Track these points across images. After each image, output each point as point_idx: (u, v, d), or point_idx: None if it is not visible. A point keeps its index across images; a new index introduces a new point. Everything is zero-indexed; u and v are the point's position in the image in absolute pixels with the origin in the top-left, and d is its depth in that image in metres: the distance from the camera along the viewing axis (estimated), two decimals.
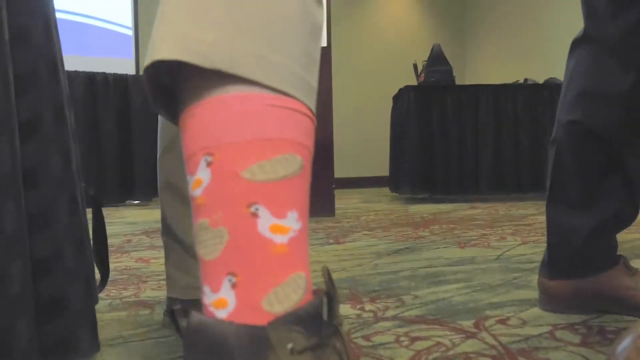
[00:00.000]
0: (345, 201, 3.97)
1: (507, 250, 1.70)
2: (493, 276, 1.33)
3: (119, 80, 4.00)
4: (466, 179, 3.73)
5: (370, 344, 0.85)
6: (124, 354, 0.82)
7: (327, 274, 0.40)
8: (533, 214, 2.76)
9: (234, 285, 0.39)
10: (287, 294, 0.39)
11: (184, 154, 0.43)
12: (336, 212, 3.01)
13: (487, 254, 1.64)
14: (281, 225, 0.40)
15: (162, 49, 0.40)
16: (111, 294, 1.22)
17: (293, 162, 0.42)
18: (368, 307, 1.07)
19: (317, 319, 0.38)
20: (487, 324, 0.94)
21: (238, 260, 0.39)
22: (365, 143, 5.89)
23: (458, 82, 4.17)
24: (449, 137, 3.75)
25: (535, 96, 3.74)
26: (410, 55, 5.88)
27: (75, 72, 3.72)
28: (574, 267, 0.99)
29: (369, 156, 5.87)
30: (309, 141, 0.44)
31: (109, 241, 0.91)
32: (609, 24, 0.87)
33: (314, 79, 0.46)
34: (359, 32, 6.04)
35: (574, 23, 1.14)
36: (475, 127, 3.76)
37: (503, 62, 5.88)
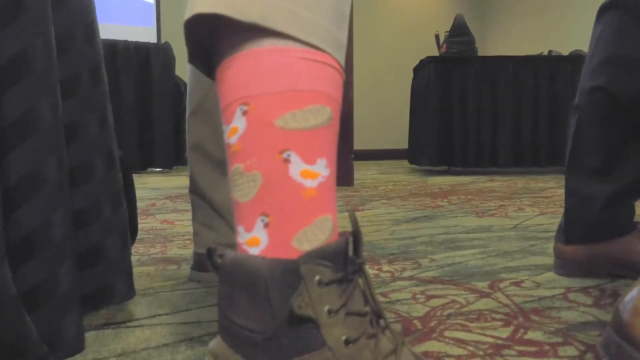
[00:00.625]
0: (363, 172, 3.99)
1: (524, 220, 1.71)
2: (509, 243, 1.36)
3: (141, 48, 4.04)
4: (485, 152, 3.72)
5: (387, 299, 0.89)
6: (154, 303, 0.87)
7: (354, 217, 0.43)
8: (552, 187, 2.76)
9: (266, 225, 0.42)
10: (316, 234, 0.42)
11: (220, 104, 0.45)
12: (355, 182, 3.04)
13: (505, 223, 1.66)
14: (311, 171, 0.43)
15: (202, 3, 0.42)
16: (139, 251, 1.27)
17: (323, 113, 0.44)
18: (386, 267, 1.11)
19: (343, 256, 0.42)
20: (501, 285, 0.97)
21: (270, 202, 0.42)
22: (384, 115, 5.87)
23: (480, 54, 4.12)
24: (468, 110, 3.72)
25: (558, 69, 3.68)
26: (433, 26, 5.80)
27: None
28: (590, 232, 1.01)
29: (389, 128, 5.85)
30: (338, 94, 0.46)
31: None
32: None
33: (343, 35, 0.48)
34: (380, 2, 5.95)
35: None
36: (495, 100, 3.73)
37: (526, 33, 5.76)
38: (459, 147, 3.73)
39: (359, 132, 5.74)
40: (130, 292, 0.82)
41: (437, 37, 4.06)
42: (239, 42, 0.43)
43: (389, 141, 5.89)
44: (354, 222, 0.43)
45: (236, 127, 0.43)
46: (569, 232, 1.02)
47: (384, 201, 2.25)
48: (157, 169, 4.23)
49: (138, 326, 0.76)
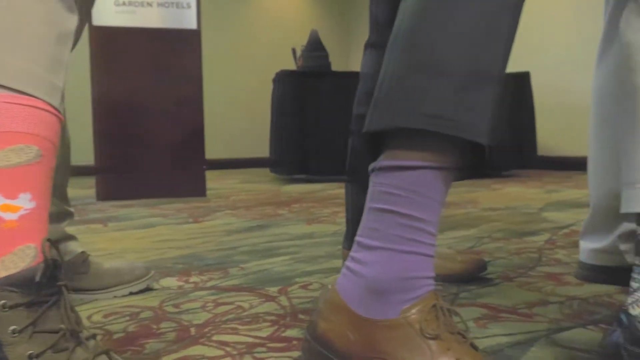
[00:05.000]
0: (223, 182, 4.03)
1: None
2: (321, 249, 1.49)
3: None
4: (339, 161, 3.95)
5: (177, 310, 0.95)
6: None
7: (47, 246, 0.49)
8: None
9: None
10: (15, 262, 0.48)
11: None
12: (209, 192, 3.07)
13: (328, 230, 1.81)
14: (12, 205, 0.48)
15: None
16: None
17: (28, 152, 0.50)
18: (193, 279, 1.18)
19: (33, 282, 0.47)
20: (290, 289, 1.08)
21: None
22: (249, 124, 5.94)
23: (342, 68, 4.37)
24: (323, 121, 3.93)
25: None
26: (295, 39, 6.00)
27: None
28: None
29: (254, 137, 5.94)
30: (49, 133, 0.52)
31: None
32: (386, 33, 1.03)
33: (58, 79, 0.54)
34: (244, 15, 6.03)
35: None
36: (347, 112, 3.97)
37: None
38: (315, 156, 3.92)
39: (224, 140, 5.77)
40: None
41: (293, 51, 4.24)
42: None
43: (255, 149, 5.98)
44: (48, 250, 0.49)
45: None
46: (349, 239, 1.16)
47: (228, 211, 2.32)
48: None
49: None
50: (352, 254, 0.62)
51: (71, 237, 1.05)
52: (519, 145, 4.06)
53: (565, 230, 1.71)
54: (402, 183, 0.58)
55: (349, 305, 0.59)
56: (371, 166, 0.62)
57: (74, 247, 1.04)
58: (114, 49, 2.70)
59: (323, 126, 3.93)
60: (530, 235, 1.64)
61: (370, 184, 0.62)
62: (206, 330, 0.84)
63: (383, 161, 0.60)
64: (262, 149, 5.91)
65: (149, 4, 2.71)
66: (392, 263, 0.57)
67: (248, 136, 5.90)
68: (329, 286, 0.63)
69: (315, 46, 4.07)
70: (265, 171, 4.91)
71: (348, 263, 0.62)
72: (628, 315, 0.58)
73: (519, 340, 0.79)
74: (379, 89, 0.61)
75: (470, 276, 1.12)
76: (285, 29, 6.15)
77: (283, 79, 3.98)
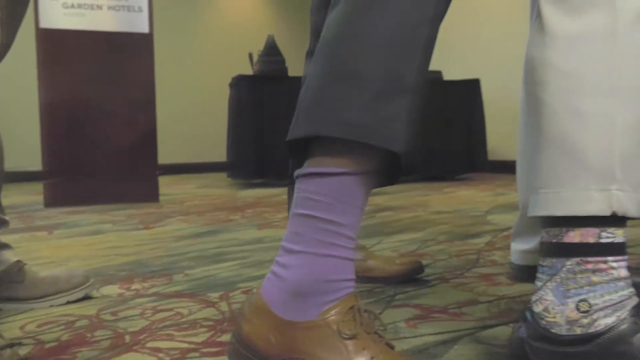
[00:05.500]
0: (180, 187, 3.99)
1: None
2: (268, 254, 1.51)
3: None
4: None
5: (114, 318, 0.95)
6: None
7: None
8: None
9: None
10: None
11: None
12: (163, 198, 3.04)
13: (278, 234, 1.83)
14: None
15: None
16: None
17: None
18: (135, 286, 1.17)
19: None
20: (232, 294, 1.09)
21: None
22: (207, 129, 5.90)
23: (299, 73, 4.37)
24: (279, 125, 3.95)
25: None
26: (252, 43, 6.00)
27: None
28: None
29: (211, 142, 5.89)
30: None
31: None
32: None
33: None
34: (197, 19, 5.99)
35: None
36: None
37: None
38: (271, 161, 3.93)
39: (183, 144, 5.71)
40: None
41: (250, 56, 4.24)
42: None
43: (214, 154, 5.94)
44: None
45: None
46: None
47: (180, 217, 2.31)
48: None
49: None
50: (276, 258, 0.64)
51: (5, 246, 1.03)
52: (472, 150, 4.18)
53: (506, 233, 1.78)
54: (323, 189, 0.60)
55: (271, 308, 0.61)
56: (295, 173, 0.64)
57: (8, 256, 1.02)
58: (63, 52, 2.64)
59: (280, 131, 3.94)
60: (472, 238, 1.70)
61: (295, 191, 0.64)
62: (141, 337, 0.85)
63: (306, 168, 0.62)
64: (220, 154, 5.88)
65: (99, 7, 2.66)
66: (313, 266, 0.60)
67: (206, 140, 5.85)
68: (254, 290, 0.65)
69: (271, 51, 4.09)
70: (223, 176, 4.88)
71: (273, 267, 0.64)
72: (532, 312, 0.62)
73: (445, 339, 0.83)
74: (302, 98, 0.64)
75: (408, 278, 1.16)
76: (242, 34, 6.14)
77: (239, 84, 3.97)
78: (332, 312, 0.59)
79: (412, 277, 1.17)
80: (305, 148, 0.64)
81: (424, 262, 1.35)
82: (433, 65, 5.39)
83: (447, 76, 5.07)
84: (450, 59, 5.29)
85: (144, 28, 2.74)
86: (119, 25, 2.71)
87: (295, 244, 0.61)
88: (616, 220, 0.59)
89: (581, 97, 0.60)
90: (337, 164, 0.60)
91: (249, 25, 6.22)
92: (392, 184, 0.67)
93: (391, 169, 0.65)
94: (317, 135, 0.60)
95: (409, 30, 0.61)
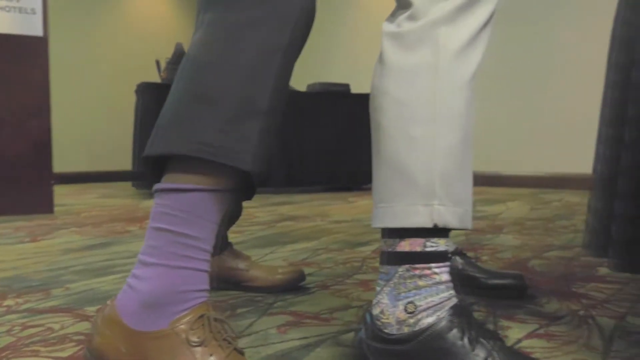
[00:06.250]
0: (81, 197, 3.82)
1: None
2: None
3: None
4: None
5: None
6: None
7: None
8: (250, 207, 3.09)
9: None
10: None
11: None
12: (59, 209, 2.91)
13: None
14: None
15: None
16: None
17: None
18: (7, 302, 1.13)
19: None
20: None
21: None
22: (112, 136, 5.69)
23: None
24: None
25: None
26: (160, 51, 5.89)
27: None
28: None
29: (117, 150, 5.69)
30: None
31: None
32: None
33: None
34: (102, 23, 5.79)
35: None
36: None
37: None
38: None
39: (87, 152, 5.46)
40: None
41: (157, 63, 4.16)
42: None
43: (122, 163, 5.73)
44: None
45: None
46: None
47: (73, 229, 2.22)
48: None
49: None
50: (133, 271, 0.66)
51: None
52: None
53: None
54: (178, 204, 0.64)
55: (122, 319, 0.63)
56: (153, 188, 0.67)
57: None
58: None
59: None
60: (361, 246, 1.79)
61: (153, 205, 0.67)
62: (4, 354, 0.83)
63: (163, 184, 0.65)
64: (127, 162, 5.69)
65: None
66: (166, 278, 0.63)
67: (111, 148, 5.64)
68: (108, 302, 0.66)
69: (179, 59, 4.03)
70: (129, 185, 4.73)
71: (128, 279, 0.66)
72: (371, 315, 0.69)
73: (310, 342, 0.88)
74: (162, 116, 0.67)
75: (290, 287, 1.21)
76: (151, 40, 6.01)
77: (145, 91, 3.89)
78: (183, 321, 0.62)
79: (294, 285, 1.22)
80: (162, 164, 0.67)
81: (311, 270, 1.41)
82: (341, 79, 5.57)
83: (355, 89, 5.26)
84: (358, 73, 5.50)
85: (38, 31, 2.62)
86: (9, 27, 2.57)
87: (150, 256, 0.64)
88: (439, 231, 0.67)
89: (411, 123, 0.68)
90: (192, 180, 0.64)
91: (157, 31, 6.09)
92: (248, 199, 0.72)
93: (246, 186, 0.70)
94: (173, 153, 0.63)
95: (263, 59, 0.66)
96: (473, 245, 1.77)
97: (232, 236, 2.01)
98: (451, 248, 1.20)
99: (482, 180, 4.52)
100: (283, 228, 2.23)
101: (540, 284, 1.25)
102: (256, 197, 3.84)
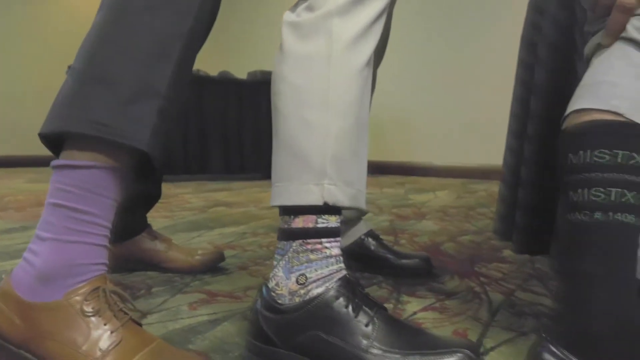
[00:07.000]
0: (7, 182, 3.66)
1: None
2: None
3: None
4: None
5: None
6: None
7: None
8: (184, 193, 3.07)
9: None
10: None
11: None
12: None
13: None
14: None
15: None
16: None
17: None
18: None
19: None
20: None
21: None
22: (43, 119, 5.46)
23: None
24: None
25: (204, 88, 4.10)
26: None
27: None
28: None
29: None
30: None
31: None
32: None
33: None
34: (32, 4, 5.53)
35: None
36: None
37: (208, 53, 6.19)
38: None
39: (16, 136, 5.21)
40: None
41: None
42: None
43: None
44: None
45: None
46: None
47: None
48: None
49: None
50: (29, 245, 0.67)
51: None
52: None
53: None
54: (73, 180, 0.65)
55: (16, 292, 0.64)
56: (51, 164, 0.68)
57: None
58: None
59: None
60: None
61: (50, 182, 0.68)
62: None
63: (59, 160, 0.67)
64: None
65: None
66: (61, 252, 0.64)
67: None
68: (3, 276, 0.67)
69: None
70: None
71: (25, 254, 0.67)
72: (267, 287, 0.73)
73: (218, 317, 0.92)
74: (59, 94, 0.68)
75: (209, 268, 1.24)
76: (82, 21, 5.79)
77: None
78: (77, 292, 0.64)
79: (212, 266, 1.25)
80: (60, 141, 0.68)
81: (233, 252, 1.45)
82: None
83: None
84: None
85: None
86: None
87: (46, 231, 0.65)
88: (329, 209, 0.72)
89: (306, 108, 0.72)
90: (88, 157, 0.65)
91: (90, 11, 5.88)
92: (147, 178, 0.74)
93: (144, 166, 0.72)
94: (67, 131, 0.65)
95: (161, 45, 0.68)
96: (395, 230, 1.86)
97: (161, 220, 2.01)
98: (364, 230, 1.26)
99: (415, 170, 4.68)
100: (214, 213, 2.25)
101: (447, 264, 1.34)
102: (193, 183, 3.81)
